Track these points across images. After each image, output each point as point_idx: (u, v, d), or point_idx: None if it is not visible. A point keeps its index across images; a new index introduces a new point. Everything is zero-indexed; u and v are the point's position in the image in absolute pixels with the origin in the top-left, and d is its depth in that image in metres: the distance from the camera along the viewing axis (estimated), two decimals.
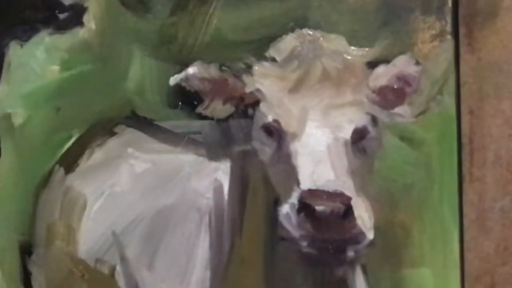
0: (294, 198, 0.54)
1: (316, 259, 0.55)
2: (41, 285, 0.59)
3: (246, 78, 0.59)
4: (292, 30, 0.59)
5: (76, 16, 0.58)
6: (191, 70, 0.58)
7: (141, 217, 0.59)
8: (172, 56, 0.59)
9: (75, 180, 0.60)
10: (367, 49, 0.58)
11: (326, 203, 0.53)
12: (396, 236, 0.58)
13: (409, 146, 0.58)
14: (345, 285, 0.57)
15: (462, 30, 0.58)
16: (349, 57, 0.58)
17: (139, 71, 0.60)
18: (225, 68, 0.59)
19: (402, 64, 0.58)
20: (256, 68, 0.59)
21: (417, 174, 0.58)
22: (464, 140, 0.58)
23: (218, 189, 0.59)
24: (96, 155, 0.61)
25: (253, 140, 0.59)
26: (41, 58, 0.58)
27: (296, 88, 0.57)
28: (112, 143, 0.61)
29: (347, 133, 0.56)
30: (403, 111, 0.58)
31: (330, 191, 0.53)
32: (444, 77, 0.58)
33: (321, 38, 0.59)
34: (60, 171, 0.59)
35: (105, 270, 0.58)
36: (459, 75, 0.58)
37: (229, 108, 0.59)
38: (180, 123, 0.61)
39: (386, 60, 0.58)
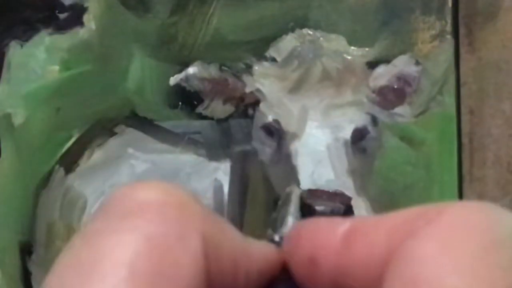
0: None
1: None
2: (41, 285, 0.59)
3: (246, 78, 0.59)
4: (292, 30, 0.59)
5: (76, 16, 0.58)
6: (191, 70, 0.58)
7: None
8: (172, 56, 0.59)
9: (75, 180, 0.60)
10: (367, 49, 0.58)
11: (326, 203, 0.53)
12: None
13: (409, 146, 0.58)
14: None
15: (462, 30, 0.58)
16: (349, 57, 0.58)
17: (139, 71, 0.60)
18: (225, 68, 0.59)
19: (402, 64, 0.58)
20: (256, 68, 0.59)
21: (417, 174, 0.58)
22: (464, 140, 0.58)
23: (218, 189, 0.59)
24: (96, 155, 0.61)
25: (253, 140, 0.59)
26: (41, 58, 0.57)
27: (296, 88, 0.57)
28: (112, 143, 0.61)
29: (347, 133, 0.56)
30: (403, 111, 0.58)
31: (330, 191, 0.53)
32: (444, 77, 0.58)
33: (321, 38, 0.59)
34: (60, 171, 0.59)
35: None
36: (459, 75, 0.58)
37: (229, 108, 0.59)
38: (180, 123, 0.61)
39: (386, 60, 0.58)
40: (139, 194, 0.19)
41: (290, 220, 0.50)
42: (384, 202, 0.57)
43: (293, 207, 0.53)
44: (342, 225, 0.20)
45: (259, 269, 0.21)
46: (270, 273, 0.22)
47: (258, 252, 0.21)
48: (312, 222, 0.22)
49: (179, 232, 0.19)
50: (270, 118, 0.57)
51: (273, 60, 0.59)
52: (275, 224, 0.51)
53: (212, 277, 0.19)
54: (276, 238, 0.25)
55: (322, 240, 0.21)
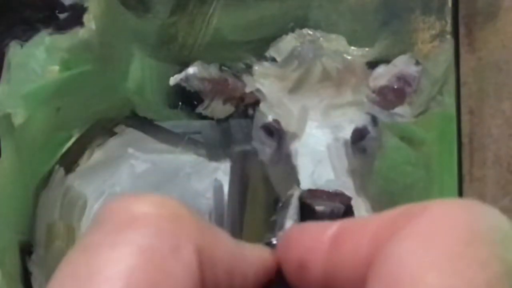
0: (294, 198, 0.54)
1: None
2: (41, 285, 0.59)
3: (246, 78, 0.59)
4: (292, 30, 0.59)
5: (76, 16, 0.58)
6: (191, 70, 0.58)
7: None
8: (172, 56, 0.59)
9: (75, 180, 0.60)
10: (367, 49, 0.58)
11: (326, 203, 0.53)
12: None
13: (409, 146, 0.58)
14: None
15: (462, 30, 0.58)
16: (349, 57, 0.58)
17: (139, 71, 0.60)
18: (225, 68, 0.59)
19: (402, 64, 0.58)
20: (256, 68, 0.59)
21: (417, 174, 0.58)
22: (464, 140, 0.58)
23: (218, 189, 0.59)
24: (96, 155, 0.61)
25: (253, 140, 0.59)
26: (41, 58, 0.57)
27: (296, 88, 0.57)
28: (112, 143, 0.61)
29: (347, 133, 0.56)
30: (403, 111, 0.58)
31: (330, 191, 0.53)
32: (444, 77, 0.58)
33: (321, 38, 0.59)
34: (60, 171, 0.59)
35: None
36: (459, 75, 0.58)
37: (229, 108, 0.59)
38: (180, 123, 0.61)
39: (386, 60, 0.58)
40: (133, 207, 0.19)
41: (289, 224, 0.50)
42: (384, 202, 0.57)
43: (293, 210, 0.54)
44: (330, 228, 0.21)
45: (255, 274, 0.21)
46: (266, 276, 0.22)
47: (253, 257, 0.22)
48: (301, 227, 0.22)
49: (173, 244, 0.19)
50: (270, 118, 0.57)
51: (273, 60, 0.59)
52: (274, 227, 0.51)
53: (207, 287, 0.19)
54: (274, 241, 0.25)
55: (310, 244, 0.21)
